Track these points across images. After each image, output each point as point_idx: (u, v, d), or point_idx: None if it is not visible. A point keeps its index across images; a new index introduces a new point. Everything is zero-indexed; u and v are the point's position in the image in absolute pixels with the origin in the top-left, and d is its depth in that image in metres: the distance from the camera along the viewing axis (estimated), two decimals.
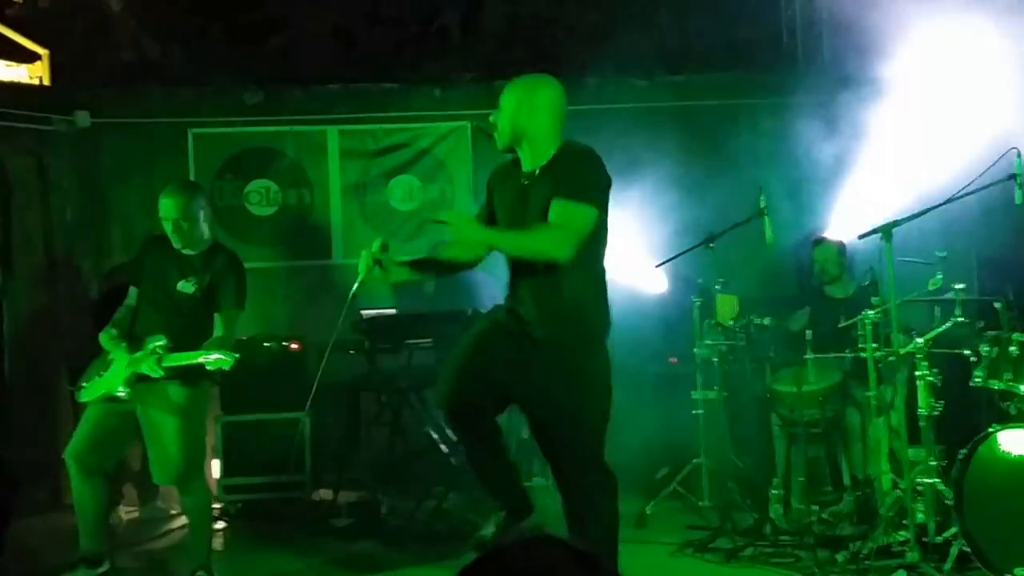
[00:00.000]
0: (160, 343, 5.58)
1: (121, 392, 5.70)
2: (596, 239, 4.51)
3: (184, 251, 5.93)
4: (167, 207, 5.84)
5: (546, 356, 4.52)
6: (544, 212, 4.43)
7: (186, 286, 5.84)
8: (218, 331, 5.81)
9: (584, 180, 4.46)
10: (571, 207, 4.36)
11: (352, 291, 4.67)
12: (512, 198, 4.65)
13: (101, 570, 6.00)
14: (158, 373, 5.53)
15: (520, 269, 4.59)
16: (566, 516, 4.67)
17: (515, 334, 4.58)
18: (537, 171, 4.55)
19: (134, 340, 5.80)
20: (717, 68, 9.26)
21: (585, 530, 4.54)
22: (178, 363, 5.52)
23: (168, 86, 9.30)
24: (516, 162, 4.69)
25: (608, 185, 4.54)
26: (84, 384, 5.93)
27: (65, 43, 9.15)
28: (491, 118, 4.69)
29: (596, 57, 9.02)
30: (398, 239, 9.12)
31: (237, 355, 5.48)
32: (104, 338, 5.93)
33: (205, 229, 5.98)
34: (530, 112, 4.56)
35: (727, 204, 7.88)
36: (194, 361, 5.48)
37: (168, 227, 5.86)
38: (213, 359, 5.41)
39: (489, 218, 4.79)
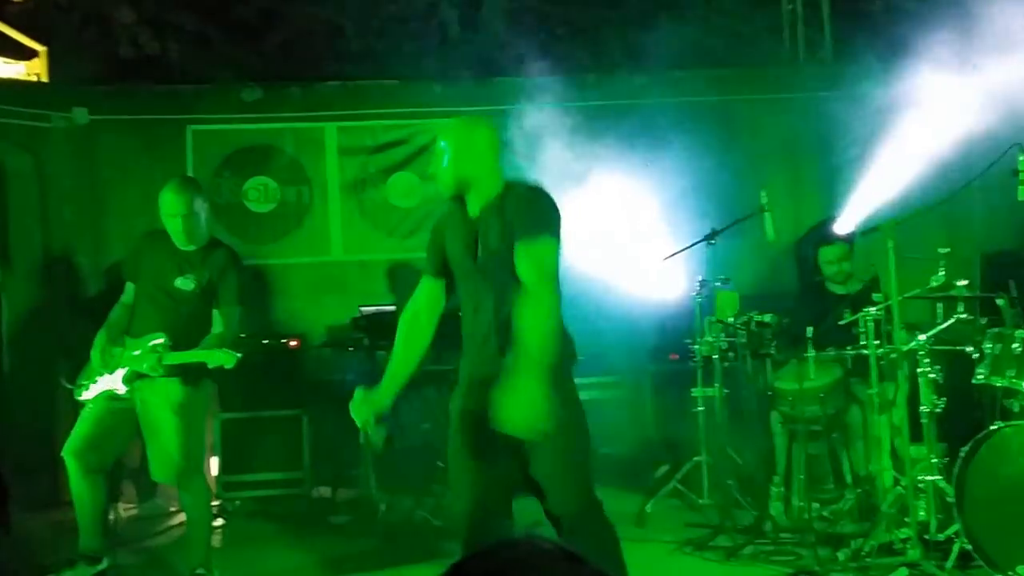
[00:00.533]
0: (159, 341, 5.56)
1: (121, 390, 5.68)
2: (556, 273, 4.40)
3: (182, 247, 5.90)
4: (172, 203, 5.81)
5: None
6: (496, 251, 4.34)
7: (185, 283, 5.82)
8: (217, 328, 5.79)
9: (541, 217, 4.35)
10: (536, 246, 4.26)
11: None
12: (462, 242, 4.52)
13: (101, 567, 5.97)
14: (158, 372, 5.52)
15: (478, 317, 4.46)
16: None
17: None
18: (484, 211, 4.44)
19: (132, 337, 5.78)
20: (718, 64, 9.24)
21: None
22: (180, 361, 5.51)
23: (166, 83, 9.28)
24: (461, 205, 4.56)
25: (558, 215, 4.40)
26: (83, 382, 5.90)
27: (63, 40, 9.12)
28: (429, 170, 4.66)
29: (597, 53, 9.01)
30: (397, 236, 9.12)
31: (239, 354, 5.46)
32: (102, 336, 5.90)
33: (205, 225, 5.96)
34: (471, 157, 4.44)
35: (729, 200, 7.84)
36: (196, 360, 5.46)
37: (174, 223, 5.83)
38: (216, 356, 5.40)
39: (441, 264, 4.64)
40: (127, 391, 5.71)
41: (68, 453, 5.85)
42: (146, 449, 5.88)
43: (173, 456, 5.74)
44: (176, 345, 5.58)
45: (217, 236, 6.24)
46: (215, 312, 5.85)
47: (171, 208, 5.81)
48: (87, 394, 5.87)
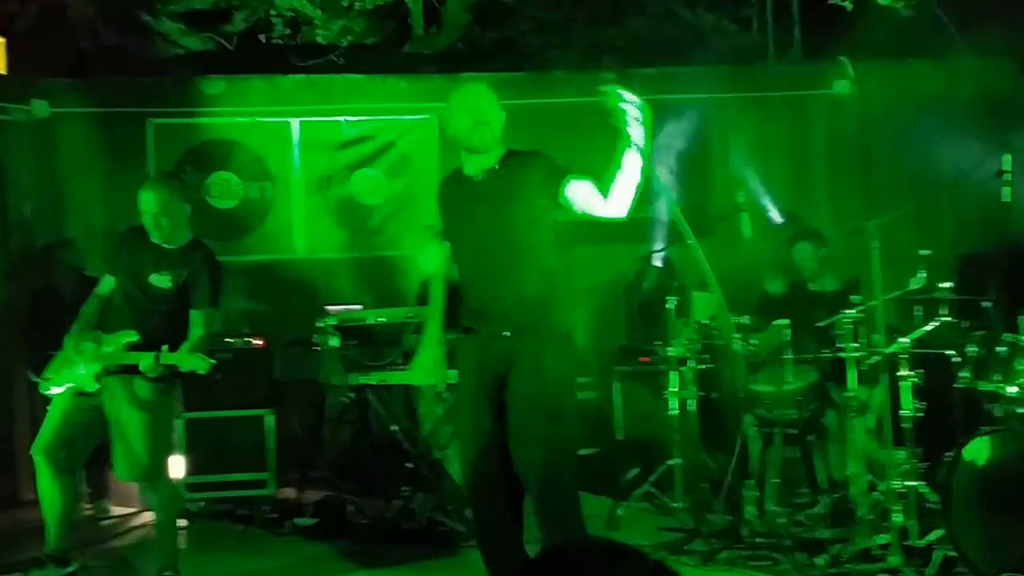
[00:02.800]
0: (130, 339, 5.46)
1: (90, 386, 5.57)
2: (543, 234, 4.71)
3: (162, 245, 5.79)
4: (146, 201, 5.72)
5: (520, 354, 4.61)
6: (505, 209, 4.63)
7: (160, 280, 5.71)
8: (194, 331, 5.68)
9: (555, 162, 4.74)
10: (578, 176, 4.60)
11: None
12: (465, 201, 4.77)
13: (70, 569, 5.85)
14: (156, 372, 5.46)
15: (480, 276, 4.74)
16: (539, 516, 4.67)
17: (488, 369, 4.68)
18: (488, 172, 4.71)
19: (105, 333, 5.66)
20: (688, 61, 9.17)
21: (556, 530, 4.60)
22: (173, 362, 5.44)
23: (127, 75, 9.10)
24: (457, 171, 4.88)
25: None
26: (50, 376, 5.76)
27: (22, 31, 8.93)
28: (484, 130, 4.71)
29: (562, 49, 8.93)
30: (362, 234, 9.00)
31: (213, 361, 5.42)
32: (75, 329, 5.79)
33: (185, 223, 5.87)
34: (498, 116, 4.73)
35: (705, 200, 7.79)
36: (183, 363, 5.41)
37: (149, 220, 5.74)
38: (190, 362, 5.36)
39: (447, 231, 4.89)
40: (95, 388, 5.59)
41: (37, 451, 5.72)
42: (112, 448, 5.74)
43: (140, 456, 5.62)
44: (148, 344, 5.48)
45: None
46: (191, 313, 5.71)
47: (145, 205, 5.72)
48: (55, 389, 5.73)
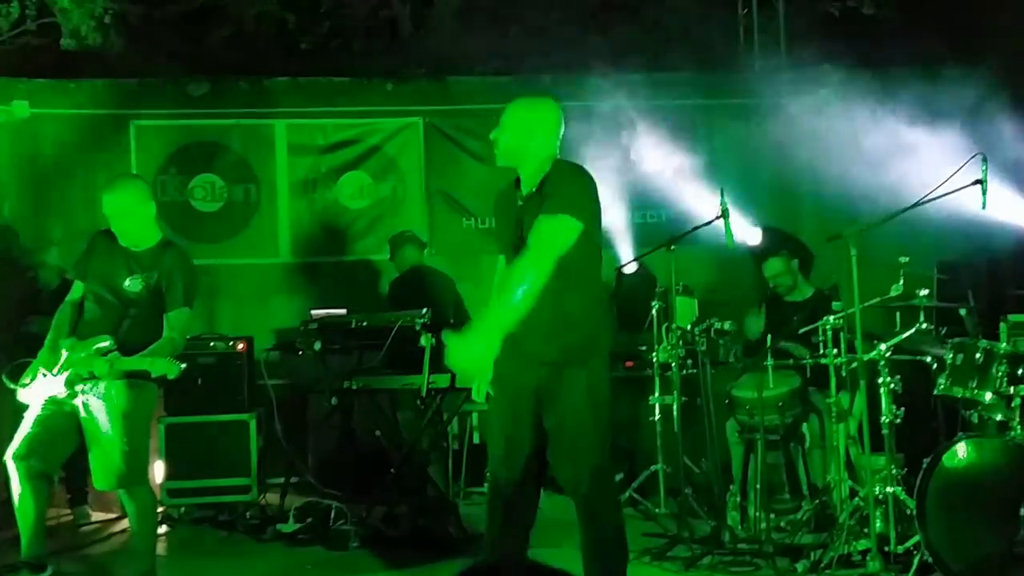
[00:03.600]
0: (104, 344, 5.40)
1: (62, 393, 5.51)
2: (586, 256, 4.58)
3: (131, 248, 5.72)
4: (109, 203, 5.64)
5: (554, 374, 4.60)
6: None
7: (132, 284, 5.63)
8: (168, 332, 5.63)
9: (567, 194, 4.49)
10: (546, 221, 4.40)
11: None
12: (511, 222, 4.71)
13: (45, 575, 5.78)
14: (113, 376, 5.37)
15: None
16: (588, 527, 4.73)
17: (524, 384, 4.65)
18: (531, 192, 4.62)
19: (79, 338, 5.61)
20: (675, 67, 9.17)
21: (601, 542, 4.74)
22: (129, 367, 5.34)
23: (110, 76, 9.06)
24: (516, 183, 4.77)
25: (595, 199, 4.60)
26: (27, 381, 5.71)
27: (3, 31, 8.89)
28: (492, 135, 4.72)
29: (551, 53, 8.92)
30: (347, 238, 8.99)
31: (183, 364, 5.33)
32: (51, 336, 5.73)
33: (152, 225, 5.77)
34: (529, 133, 4.63)
35: (689, 206, 7.79)
36: (143, 367, 5.30)
37: (114, 223, 5.67)
38: (160, 366, 5.24)
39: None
40: (68, 394, 5.53)
41: (14, 457, 5.63)
42: (88, 455, 5.70)
43: (116, 463, 5.53)
44: (123, 347, 5.43)
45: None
46: (165, 316, 5.67)
47: (108, 209, 5.64)
48: (29, 395, 5.67)
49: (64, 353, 5.59)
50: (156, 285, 5.65)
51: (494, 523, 4.81)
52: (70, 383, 5.50)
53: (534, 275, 4.29)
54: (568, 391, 4.57)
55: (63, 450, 5.81)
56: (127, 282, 5.65)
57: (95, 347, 5.45)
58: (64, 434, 5.68)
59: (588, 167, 4.69)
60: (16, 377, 5.85)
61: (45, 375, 5.62)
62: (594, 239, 4.62)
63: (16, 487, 5.67)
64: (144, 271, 5.66)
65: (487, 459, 5.05)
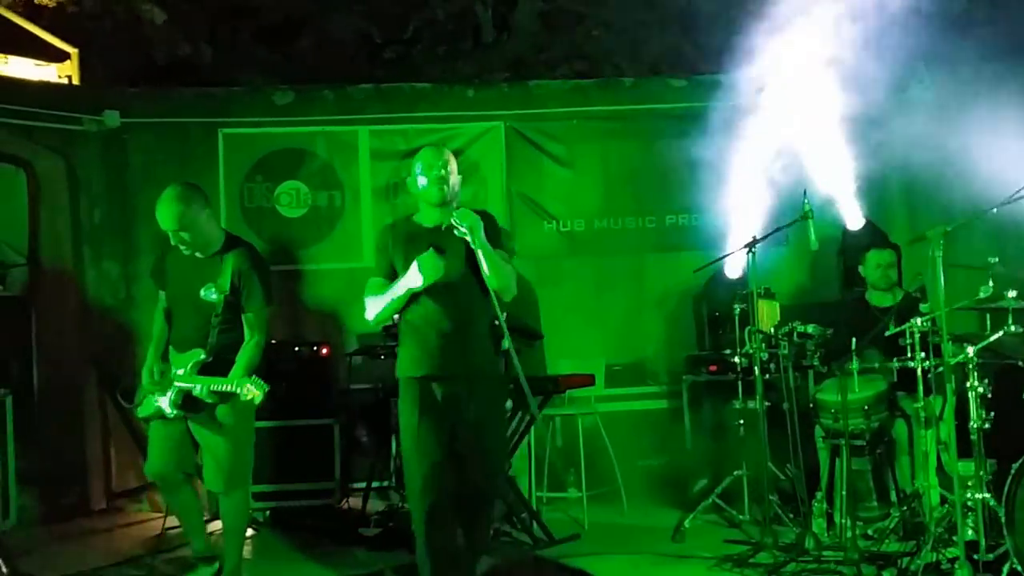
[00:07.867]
0: (197, 359, 5.54)
1: (169, 413, 5.67)
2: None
3: (198, 256, 5.75)
4: (162, 218, 5.61)
5: (476, 394, 5.13)
6: (460, 262, 5.05)
7: (207, 293, 5.67)
8: (250, 335, 5.70)
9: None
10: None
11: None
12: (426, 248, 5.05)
13: (216, 567, 5.96)
14: (213, 400, 5.52)
15: (442, 316, 5.12)
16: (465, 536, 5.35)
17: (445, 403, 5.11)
18: (444, 226, 5.06)
19: (174, 348, 5.77)
20: None
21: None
22: (221, 388, 5.44)
23: (198, 86, 9.20)
24: (408, 219, 5.29)
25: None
26: (139, 401, 5.91)
27: (95, 42, 9.06)
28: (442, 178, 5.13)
29: (634, 55, 8.86)
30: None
31: (267, 386, 5.36)
32: (151, 352, 5.90)
33: (212, 229, 5.77)
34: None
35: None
36: (232, 390, 5.40)
37: (171, 239, 5.67)
38: (246, 391, 5.31)
39: (391, 272, 5.22)
40: (175, 413, 5.65)
41: (151, 474, 5.90)
42: (202, 460, 5.89)
43: (225, 471, 5.76)
44: (216, 357, 5.58)
45: (250, 241, 6.05)
46: (244, 316, 5.72)
47: (163, 223, 5.62)
48: (144, 415, 5.86)
49: (167, 368, 5.74)
50: (231, 288, 5.68)
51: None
52: (174, 404, 5.62)
53: (511, 283, 5.20)
54: (481, 409, 5.15)
55: (190, 452, 5.93)
56: (203, 292, 5.69)
57: (191, 363, 5.59)
58: (184, 442, 5.84)
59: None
60: (128, 398, 6.06)
61: (153, 392, 5.74)
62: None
63: (165, 498, 6.13)
64: (216, 278, 5.69)
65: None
